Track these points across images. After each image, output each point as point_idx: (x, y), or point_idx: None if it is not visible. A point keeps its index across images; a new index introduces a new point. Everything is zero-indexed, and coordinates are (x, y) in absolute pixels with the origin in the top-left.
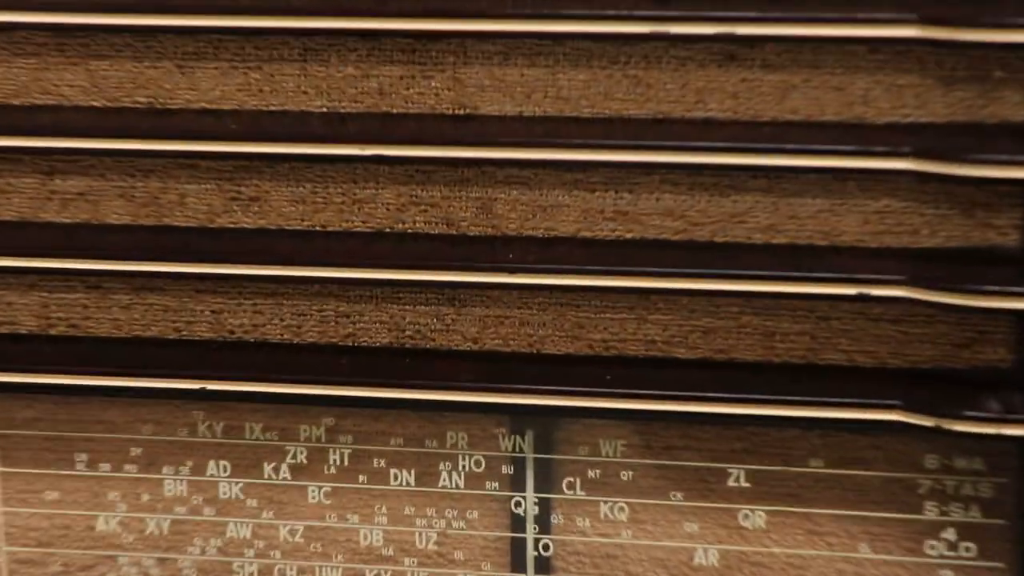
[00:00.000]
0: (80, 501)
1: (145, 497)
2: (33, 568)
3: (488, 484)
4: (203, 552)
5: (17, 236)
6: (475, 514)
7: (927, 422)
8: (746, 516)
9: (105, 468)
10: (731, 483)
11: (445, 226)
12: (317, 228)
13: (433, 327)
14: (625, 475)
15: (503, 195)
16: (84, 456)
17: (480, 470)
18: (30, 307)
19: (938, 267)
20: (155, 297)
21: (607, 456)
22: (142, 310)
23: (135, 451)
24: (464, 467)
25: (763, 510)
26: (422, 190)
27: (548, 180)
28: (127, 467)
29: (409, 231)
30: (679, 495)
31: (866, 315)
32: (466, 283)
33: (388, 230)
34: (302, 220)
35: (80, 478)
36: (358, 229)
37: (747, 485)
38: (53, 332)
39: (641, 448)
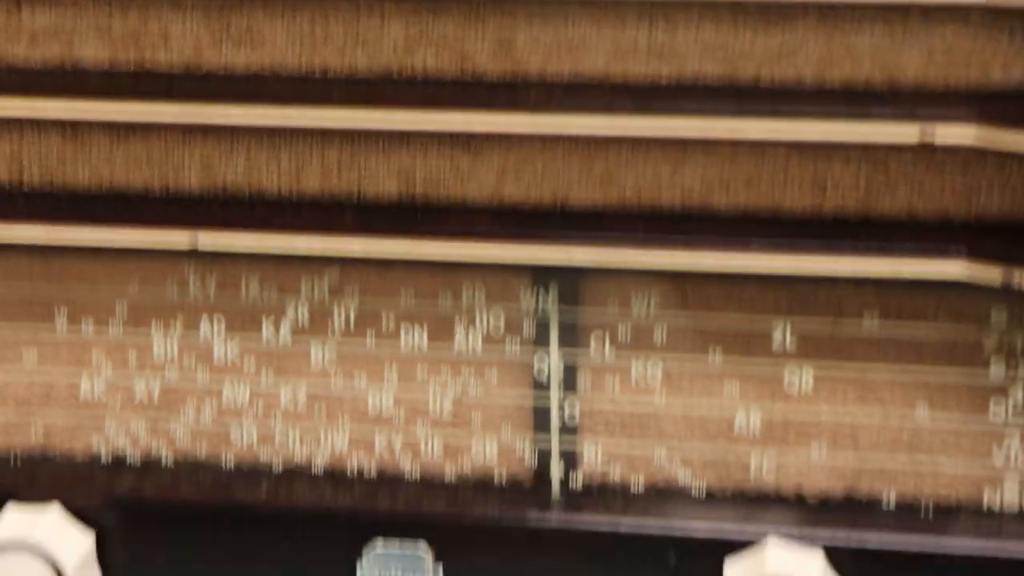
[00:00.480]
0: (62, 362)
1: (133, 358)
2: (15, 433)
3: (508, 343)
4: (197, 418)
5: None
6: (494, 375)
7: (994, 274)
8: (792, 377)
9: (88, 327)
10: (776, 341)
11: (459, 65)
12: (315, 70)
13: (447, 177)
14: (659, 333)
15: (524, 30)
16: (65, 312)
17: (499, 328)
18: (1, 156)
19: (1010, 107)
20: (138, 144)
21: (639, 313)
22: (124, 159)
23: (120, 309)
24: (482, 324)
25: (811, 370)
26: (433, 24)
27: (574, 12)
28: (112, 326)
29: (419, 73)
30: (718, 354)
31: (928, 161)
32: (483, 127)
33: (395, 71)
34: (300, 60)
35: (62, 337)
36: (362, 70)
37: (793, 343)
38: (27, 183)
39: (676, 304)
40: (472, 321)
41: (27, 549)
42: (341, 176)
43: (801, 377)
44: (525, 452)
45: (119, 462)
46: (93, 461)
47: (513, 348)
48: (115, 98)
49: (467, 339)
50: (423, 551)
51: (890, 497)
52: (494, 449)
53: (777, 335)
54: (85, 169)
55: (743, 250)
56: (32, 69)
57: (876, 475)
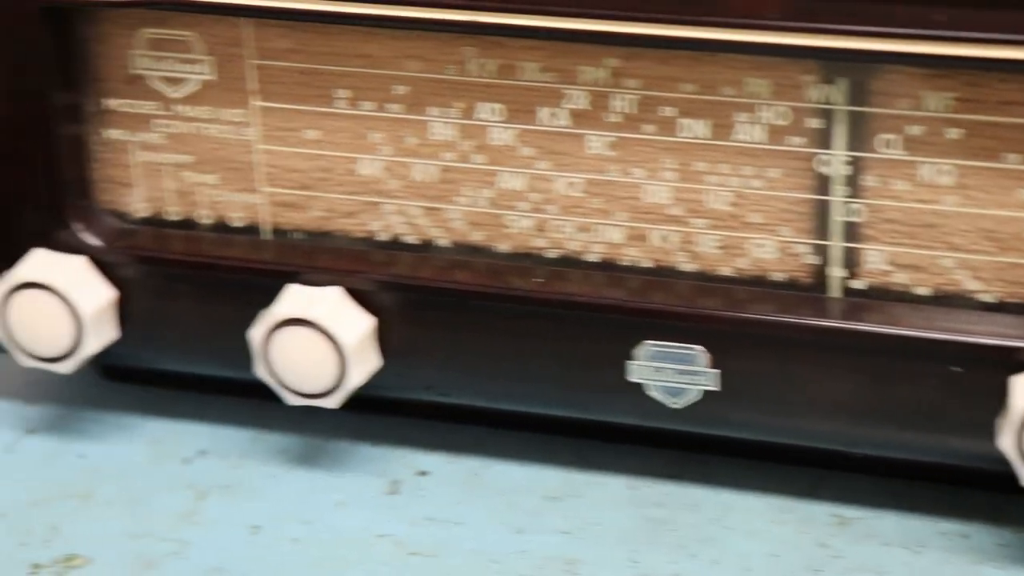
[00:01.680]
0: (341, 142)
1: (411, 140)
2: (294, 212)
3: (792, 139)
4: (473, 203)
5: None
6: (775, 172)
7: None
8: None
9: (367, 107)
10: None
11: None
12: None
13: None
14: (952, 133)
15: None
16: (345, 93)
17: (783, 123)
18: None
19: None
20: None
21: (932, 111)
22: None
23: (399, 89)
24: (765, 119)
25: None
26: None
27: None
28: (391, 106)
29: None
30: (1016, 158)
31: None
32: None
33: None
34: None
35: (341, 116)
36: None
37: None
38: None
39: (973, 102)
40: (755, 115)
41: (308, 324)
42: None
43: None
44: (805, 253)
45: (396, 246)
46: (371, 243)
47: (796, 145)
48: None
49: (749, 133)
50: (697, 349)
51: None
52: (773, 248)
53: None
54: None
55: None
56: None
57: None
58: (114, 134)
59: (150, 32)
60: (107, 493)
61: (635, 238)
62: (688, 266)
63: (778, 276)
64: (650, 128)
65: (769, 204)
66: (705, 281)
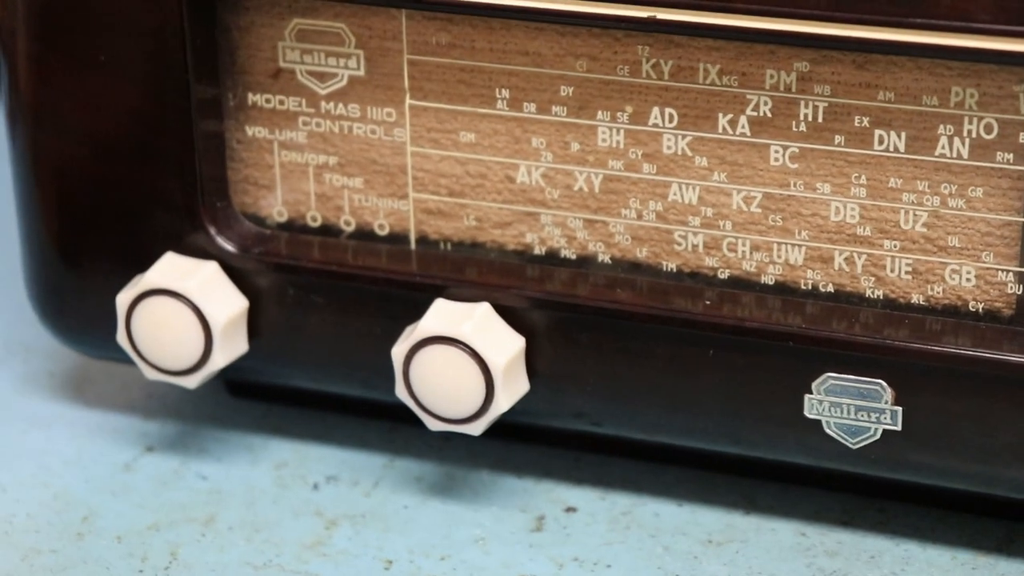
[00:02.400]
0: (499, 146)
1: (575, 146)
2: (442, 220)
3: (999, 155)
4: (639, 216)
5: None
6: (979, 191)
7: None
8: None
9: (530, 108)
10: None
11: None
12: None
13: None
14: None
15: None
16: (506, 93)
17: (990, 137)
18: None
19: None
20: None
21: None
22: None
23: (565, 90)
24: (970, 132)
25: None
26: None
27: None
28: (555, 109)
29: None
30: None
31: None
32: None
33: None
34: None
35: (500, 118)
36: None
37: None
38: None
39: None
40: (959, 127)
41: (455, 343)
42: None
43: None
44: (1008, 282)
45: (552, 259)
46: (524, 256)
47: (1004, 162)
48: None
49: (951, 148)
50: (881, 385)
51: None
52: (971, 276)
53: None
54: None
55: None
56: None
57: None
58: (256, 131)
59: (299, 22)
60: (229, 518)
61: (816, 260)
62: (874, 292)
63: (976, 306)
64: (839, 139)
65: (970, 226)
66: (892, 309)
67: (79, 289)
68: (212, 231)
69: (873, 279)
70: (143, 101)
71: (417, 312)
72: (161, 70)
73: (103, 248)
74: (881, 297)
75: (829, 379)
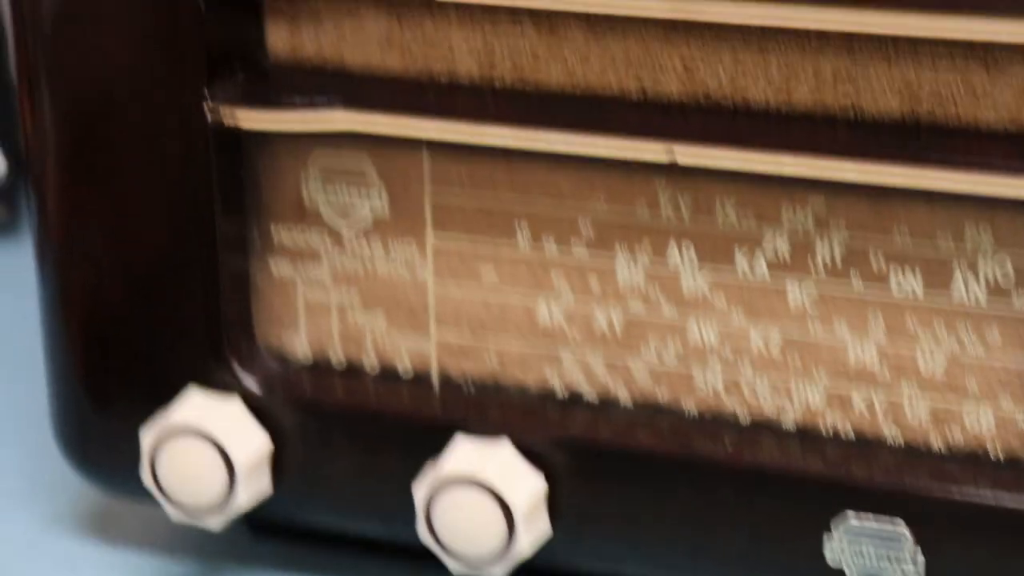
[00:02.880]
0: (520, 283)
1: (594, 284)
2: (464, 359)
3: (1016, 298)
4: (659, 357)
5: None
6: (996, 335)
7: None
8: None
9: (550, 244)
10: None
11: None
12: None
13: (958, 94)
14: None
15: None
16: (526, 229)
17: (1007, 279)
18: (471, 48)
19: None
20: (616, 42)
21: None
22: (600, 57)
23: (585, 227)
24: (987, 274)
25: None
26: None
27: None
28: (575, 245)
29: None
30: None
31: None
32: (1008, 37)
33: None
34: None
35: (521, 255)
36: None
37: None
38: (496, 80)
39: None
40: (975, 268)
41: (477, 485)
42: (836, 88)
43: None
44: None
45: (573, 399)
46: (546, 396)
47: (1022, 303)
48: None
49: (967, 288)
50: (902, 529)
51: None
52: (990, 419)
53: None
54: (557, 67)
55: None
56: None
57: None
58: (280, 268)
59: (324, 159)
60: None
61: (836, 402)
62: (894, 435)
63: (997, 451)
64: (857, 279)
65: (989, 370)
66: (912, 453)
67: (105, 426)
68: (236, 368)
69: (892, 421)
70: (168, 237)
71: (439, 451)
72: (187, 205)
73: (128, 383)
74: (901, 440)
75: (850, 522)
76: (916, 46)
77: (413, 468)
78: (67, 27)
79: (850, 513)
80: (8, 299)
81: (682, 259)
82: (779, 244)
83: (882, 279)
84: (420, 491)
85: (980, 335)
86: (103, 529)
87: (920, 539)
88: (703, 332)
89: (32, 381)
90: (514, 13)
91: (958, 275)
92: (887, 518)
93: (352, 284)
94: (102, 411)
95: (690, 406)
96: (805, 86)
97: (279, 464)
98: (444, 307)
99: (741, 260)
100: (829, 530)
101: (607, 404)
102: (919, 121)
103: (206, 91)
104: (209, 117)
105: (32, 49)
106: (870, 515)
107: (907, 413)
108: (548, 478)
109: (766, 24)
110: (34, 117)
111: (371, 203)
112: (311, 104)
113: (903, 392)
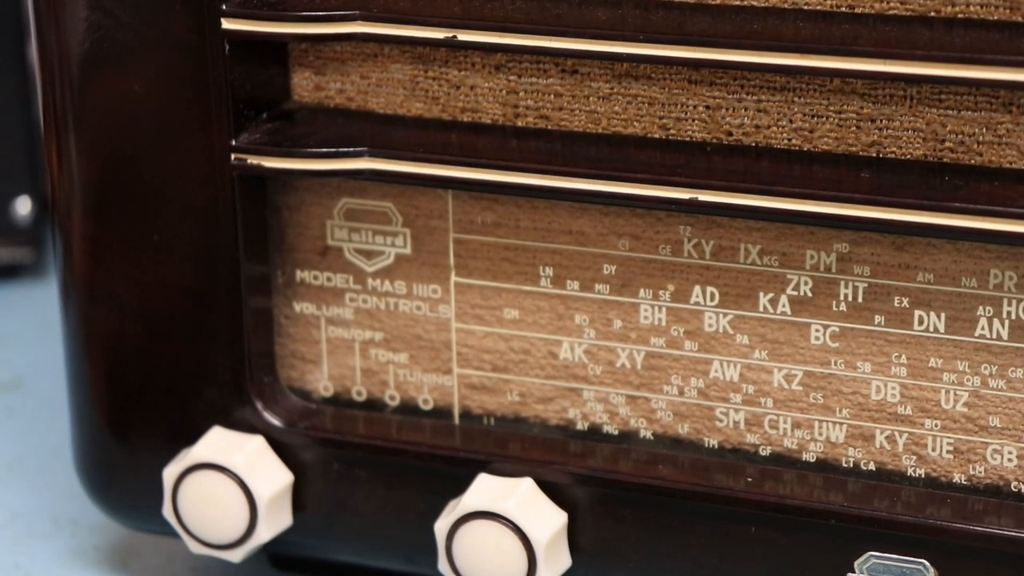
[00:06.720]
0: (543, 323)
1: (617, 323)
2: (486, 395)
3: None
4: (681, 393)
5: (482, 6)
6: (1019, 373)
7: None
8: None
9: (573, 286)
10: None
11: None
12: (841, 5)
13: (981, 138)
14: None
15: None
16: (549, 271)
17: None
18: (496, 92)
19: None
20: (640, 87)
21: None
22: (624, 102)
23: (608, 269)
24: (1009, 314)
25: None
26: None
27: None
28: (598, 287)
29: (960, 11)
30: None
31: None
32: None
33: (934, 11)
34: None
35: (544, 296)
36: (894, 5)
37: None
38: (520, 123)
39: None
40: (998, 309)
41: (498, 519)
42: (859, 133)
43: None
44: None
45: (594, 436)
46: (567, 433)
47: None
48: (619, 37)
49: (990, 329)
50: (924, 566)
51: None
52: (1012, 456)
53: None
54: (581, 113)
55: None
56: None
57: None
58: (303, 308)
59: (348, 202)
60: None
61: (857, 438)
62: (916, 471)
63: (1018, 486)
64: (880, 318)
65: (1010, 407)
66: (934, 488)
67: (127, 463)
68: (259, 406)
69: (915, 458)
70: (194, 278)
71: (460, 487)
72: (212, 249)
73: (151, 422)
74: (923, 476)
75: (872, 558)
76: (939, 90)
77: (434, 504)
78: (93, 73)
79: (872, 548)
80: (34, 338)
81: (704, 299)
82: (802, 284)
83: (905, 319)
84: (441, 524)
85: (1003, 372)
86: (125, 564)
87: (942, 573)
88: (725, 369)
89: (56, 419)
90: (539, 60)
91: (980, 313)
92: (909, 554)
93: (375, 323)
94: (124, 448)
95: (711, 441)
96: (828, 130)
97: (300, 499)
98: (466, 345)
99: (764, 300)
100: (851, 564)
101: (627, 439)
102: (943, 163)
103: (232, 136)
104: (234, 162)
105: (59, 94)
106: (892, 550)
107: (929, 449)
108: (569, 512)
109: (784, 63)
110: (60, 161)
111: (395, 244)
112: (336, 149)
113: (925, 429)
